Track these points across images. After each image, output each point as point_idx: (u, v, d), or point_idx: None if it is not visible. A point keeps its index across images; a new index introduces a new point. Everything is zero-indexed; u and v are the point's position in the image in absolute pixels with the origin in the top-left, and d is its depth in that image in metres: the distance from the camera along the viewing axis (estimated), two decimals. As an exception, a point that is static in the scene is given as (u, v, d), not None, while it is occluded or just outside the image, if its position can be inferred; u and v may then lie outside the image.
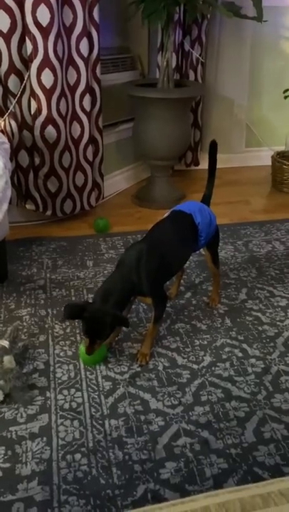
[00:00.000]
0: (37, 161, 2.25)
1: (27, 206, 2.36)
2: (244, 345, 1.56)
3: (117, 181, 2.91)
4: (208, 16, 2.84)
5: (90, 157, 2.40)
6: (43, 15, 1.96)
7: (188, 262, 2.04)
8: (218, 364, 1.47)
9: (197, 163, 3.18)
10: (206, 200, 1.72)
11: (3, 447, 1.19)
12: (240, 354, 1.52)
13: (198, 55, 2.91)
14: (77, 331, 1.62)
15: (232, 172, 3.23)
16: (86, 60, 2.20)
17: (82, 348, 1.43)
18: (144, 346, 1.50)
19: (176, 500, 0.54)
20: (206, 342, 1.58)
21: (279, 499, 0.51)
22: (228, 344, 1.57)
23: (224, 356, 1.51)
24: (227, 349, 1.54)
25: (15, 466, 1.14)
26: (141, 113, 2.55)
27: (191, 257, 2.06)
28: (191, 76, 2.96)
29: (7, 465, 1.15)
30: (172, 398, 1.34)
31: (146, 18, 2.37)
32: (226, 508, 0.50)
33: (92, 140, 2.38)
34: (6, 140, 1.70)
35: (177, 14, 2.64)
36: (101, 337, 1.35)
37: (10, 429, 1.24)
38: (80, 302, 1.69)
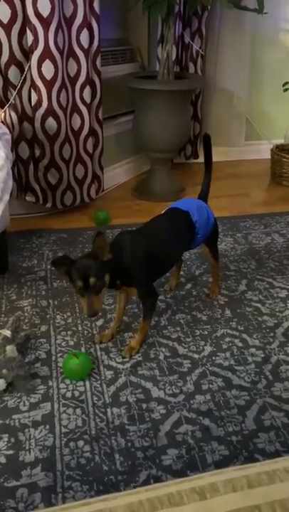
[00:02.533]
0: (37, 152, 2.25)
1: (27, 198, 2.36)
2: (244, 336, 1.57)
3: (117, 174, 2.91)
4: (209, 7, 2.83)
5: (90, 149, 2.40)
6: (44, 6, 1.95)
7: (188, 254, 2.06)
8: (218, 354, 1.49)
9: (197, 156, 3.19)
10: (203, 196, 1.70)
11: (7, 435, 1.20)
12: (240, 344, 1.53)
13: (198, 48, 2.91)
14: (79, 321, 1.63)
15: (232, 165, 3.24)
16: (86, 52, 2.20)
17: (65, 362, 1.38)
18: (134, 341, 1.50)
19: (184, 478, 0.55)
20: (206, 332, 1.59)
21: (284, 476, 0.52)
22: (228, 334, 1.58)
23: (224, 346, 1.52)
24: (227, 339, 1.56)
25: (18, 453, 1.16)
26: (141, 105, 2.55)
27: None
28: (191, 68, 2.96)
29: (11, 452, 1.16)
30: (173, 387, 1.36)
31: (146, 10, 2.37)
32: (232, 484, 0.52)
33: (92, 132, 2.38)
34: (7, 131, 1.70)
35: (177, 6, 2.64)
36: (95, 276, 1.25)
37: (13, 417, 1.26)
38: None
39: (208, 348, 1.51)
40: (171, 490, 0.52)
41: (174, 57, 2.73)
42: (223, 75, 3.13)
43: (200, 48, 2.92)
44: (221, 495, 0.50)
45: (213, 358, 1.47)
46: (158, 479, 1.09)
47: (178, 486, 0.53)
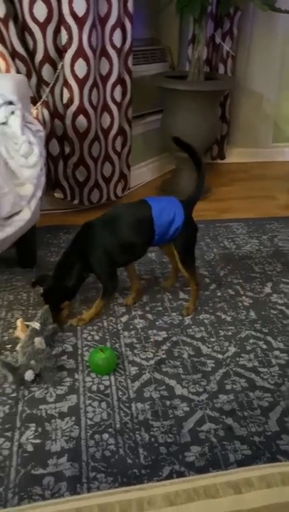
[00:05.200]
0: (67, 150, 2.28)
1: (55, 195, 2.40)
2: (268, 338, 1.58)
3: (143, 173, 2.93)
4: (241, 8, 2.82)
5: (119, 148, 2.43)
6: (79, 5, 1.98)
7: (212, 255, 2.06)
8: (242, 355, 1.50)
9: (223, 157, 3.18)
10: (192, 200, 1.65)
11: (34, 424, 1.24)
12: (264, 346, 1.54)
13: (228, 49, 2.90)
14: (104, 317, 1.66)
15: (258, 166, 3.22)
16: (119, 51, 2.22)
17: (91, 357, 1.41)
18: (86, 313, 1.64)
19: (219, 472, 0.57)
20: (230, 333, 1.60)
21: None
22: (252, 336, 1.59)
23: (248, 348, 1.53)
24: (251, 341, 1.56)
25: (45, 443, 1.19)
26: (170, 105, 2.56)
27: (216, 250, 2.08)
28: (221, 69, 2.96)
29: (38, 441, 1.19)
30: (197, 385, 1.37)
31: (179, 12, 2.37)
32: (266, 480, 0.53)
33: (121, 131, 2.41)
34: (42, 128, 1.74)
35: (210, 6, 2.64)
36: (53, 308, 1.56)
37: (40, 407, 1.29)
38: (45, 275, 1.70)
39: (232, 349, 1.52)
40: (207, 483, 0.54)
41: (204, 57, 2.73)
42: (253, 76, 3.12)
43: (230, 48, 2.91)
44: (255, 490, 0.52)
45: (237, 358, 1.48)
46: (181, 475, 1.11)
47: (212, 479, 0.55)
